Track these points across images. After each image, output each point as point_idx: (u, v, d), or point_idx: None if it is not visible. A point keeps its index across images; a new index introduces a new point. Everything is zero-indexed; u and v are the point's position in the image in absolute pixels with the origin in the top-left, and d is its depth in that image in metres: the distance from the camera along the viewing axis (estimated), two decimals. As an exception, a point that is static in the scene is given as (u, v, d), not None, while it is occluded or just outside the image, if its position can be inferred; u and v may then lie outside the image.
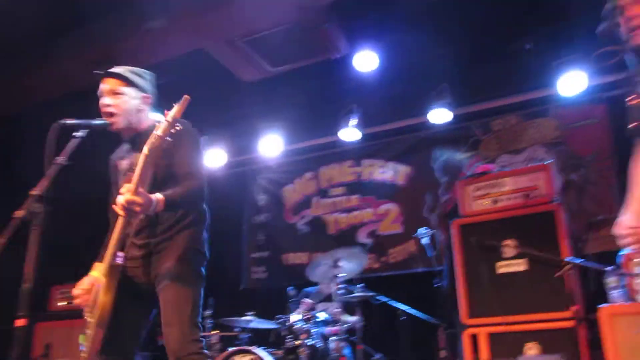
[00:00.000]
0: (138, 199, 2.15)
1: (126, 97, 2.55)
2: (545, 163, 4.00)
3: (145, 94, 2.62)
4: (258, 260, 6.26)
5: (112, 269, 2.35)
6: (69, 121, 2.43)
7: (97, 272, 2.43)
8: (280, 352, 4.29)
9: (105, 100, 2.54)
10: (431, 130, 5.61)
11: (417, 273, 5.34)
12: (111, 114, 2.52)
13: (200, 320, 2.46)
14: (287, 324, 4.31)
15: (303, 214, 6.22)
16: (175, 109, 2.20)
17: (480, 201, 3.98)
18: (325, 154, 6.27)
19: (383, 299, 4.46)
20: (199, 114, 6.23)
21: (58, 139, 2.37)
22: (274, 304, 5.45)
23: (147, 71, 2.72)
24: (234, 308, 5.51)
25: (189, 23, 4.86)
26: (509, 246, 3.68)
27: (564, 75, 4.68)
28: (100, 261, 2.43)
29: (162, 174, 2.43)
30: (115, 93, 2.54)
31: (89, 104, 5.58)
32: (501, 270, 3.70)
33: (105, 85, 2.56)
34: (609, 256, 3.97)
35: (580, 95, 4.80)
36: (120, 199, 2.17)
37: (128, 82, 2.57)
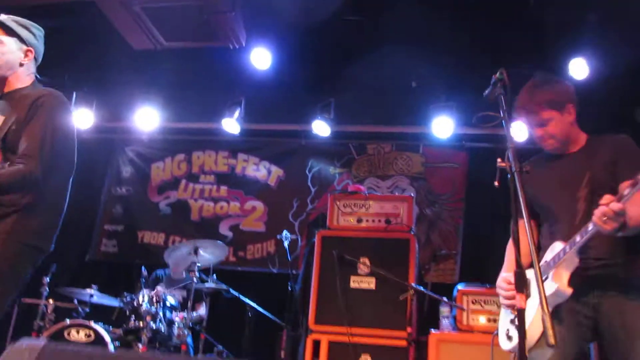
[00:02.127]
0: None
1: (5, 48, 2.33)
2: (408, 195, 4.37)
3: (28, 48, 2.40)
4: (111, 233, 5.99)
5: None
6: None
7: None
8: (119, 331, 4.17)
9: None
10: (310, 139, 5.81)
11: (271, 273, 5.49)
12: None
13: None
14: (133, 303, 4.19)
15: (168, 195, 6.08)
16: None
17: (346, 217, 4.22)
18: (202, 140, 6.20)
19: (234, 293, 4.52)
20: (77, 68, 5.89)
21: None
22: (120, 281, 5.27)
23: (35, 25, 2.48)
24: (76, 279, 5.24)
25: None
26: (364, 264, 3.96)
27: (437, 118, 5.11)
28: None
29: (12, 141, 2.22)
30: None
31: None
32: (353, 285, 3.95)
33: None
34: (444, 288, 4.46)
35: (448, 140, 5.31)
36: None
37: (9, 32, 2.35)
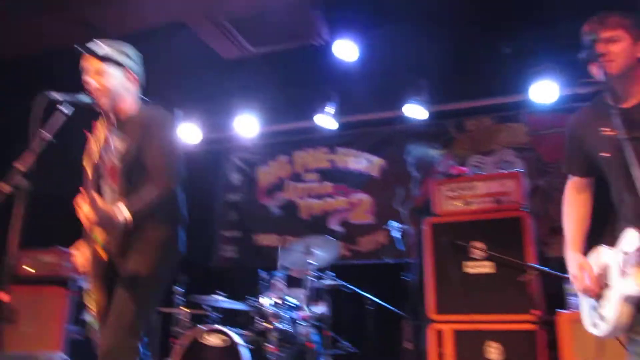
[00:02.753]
0: (94, 219, 2.18)
1: (110, 77, 2.44)
2: (516, 170, 4.19)
3: (131, 74, 2.51)
4: (229, 238, 6.32)
5: (97, 266, 2.43)
6: (55, 95, 2.30)
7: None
8: (249, 333, 4.40)
9: (88, 79, 2.43)
10: (406, 124, 5.72)
11: (386, 264, 5.52)
12: (95, 93, 2.42)
13: (141, 329, 2.33)
14: (257, 306, 4.41)
15: (276, 196, 6.29)
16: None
17: (452, 202, 4.14)
18: (301, 139, 6.33)
19: (352, 288, 4.60)
20: (177, 87, 6.23)
21: (45, 110, 2.28)
22: (243, 284, 5.55)
23: (133, 49, 2.60)
24: (202, 285, 5.59)
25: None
26: (478, 248, 3.87)
27: (537, 82, 4.83)
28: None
29: (136, 165, 2.38)
30: (98, 71, 2.42)
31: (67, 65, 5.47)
32: (469, 271, 3.89)
33: (88, 62, 2.44)
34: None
35: (552, 104, 5.00)
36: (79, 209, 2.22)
37: (111, 61, 2.45)
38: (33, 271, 5.10)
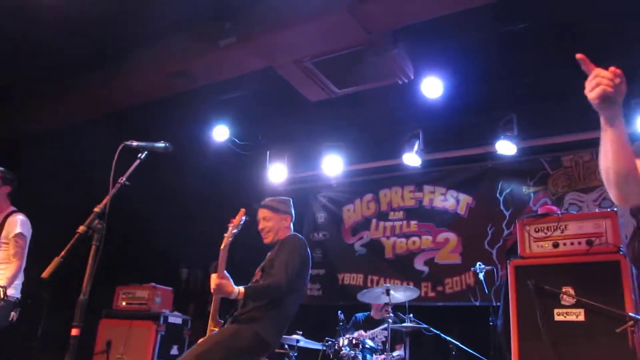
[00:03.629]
0: (215, 282, 3.00)
1: (272, 222, 3.46)
2: (611, 210, 3.82)
3: (285, 216, 3.53)
4: (314, 277, 6.32)
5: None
6: (134, 143, 2.55)
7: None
8: (325, 375, 4.33)
9: (259, 225, 3.49)
10: (497, 160, 5.49)
11: (472, 307, 5.22)
12: (264, 234, 3.47)
13: None
14: (334, 347, 4.33)
15: (361, 235, 6.23)
16: (238, 217, 3.19)
17: (540, 243, 3.84)
18: (386, 177, 6.26)
19: (434, 331, 4.39)
20: (265, 129, 6.46)
21: (121, 157, 2.49)
22: (326, 323, 5.50)
23: (287, 199, 3.69)
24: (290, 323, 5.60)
25: (260, 42, 5.00)
26: (568, 294, 3.54)
27: (642, 112, 4.45)
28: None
29: (267, 267, 3.27)
30: (264, 218, 3.48)
31: (161, 114, 5.84)
32: (558, 318, 3.55)
33: (259, 213, 3.51)
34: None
35: (661, 136, 4.56)
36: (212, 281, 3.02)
37: (272, 210, 3.48)
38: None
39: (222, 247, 3.11)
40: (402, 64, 4.98)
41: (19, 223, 3.80)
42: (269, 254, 3.45)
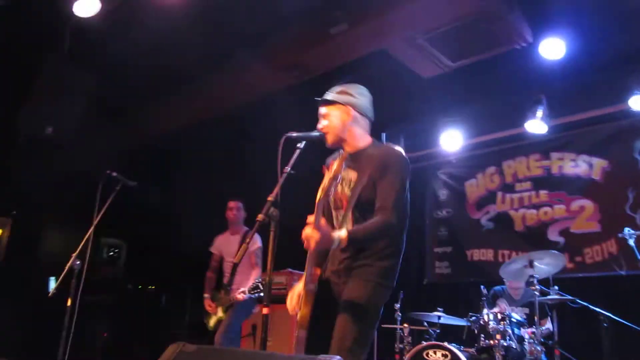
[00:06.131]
0: (315, 235, 2.32)
1: (332, 118, 2.69)
2: None
3: (351, 111, 2.70)
4: (441, 255, 6.29)
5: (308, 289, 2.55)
6: (293, 134, 2.65)
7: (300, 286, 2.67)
8: (472, 351, 4.31)
9: (319, 124, 2.74)
10: (631, 118, 5.14)
11: (617, 276, 4.96)
12: (324, 134, 2.71)
13: (361, 355, 2.46)
14: (480, 322, 4.30)
15: (487, 210, 6.10)
16: (336, 165, 2.39)
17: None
18: (509, 147, 6.07)
19: (582, 303, 4.22)
20: (381, 111, 6.50)
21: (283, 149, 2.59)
22: (458, 300, 5.48)
23: (355, 85, 2.80)
24: (418, 302, 5.65)
25: (370, 25, 5.02)
26: None
27: None
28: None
29: (366, 196, 2.54)
30: (323, 115, 2.73)
31: (273, 110, 6.05)
32: None
33: (320, 109, 2.76)
34: None
35: None
36: (303, 232, 2.37)
37: (331, 103, 2.70)
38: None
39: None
40: (519, 28, 4.79)
41: (258, 239, 4.80)
42: (342, 168, 2.54)
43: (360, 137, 2.72)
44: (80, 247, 3.83)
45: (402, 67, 5.52)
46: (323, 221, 2.39)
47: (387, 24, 4.96)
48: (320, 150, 2.86)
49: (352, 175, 2.64)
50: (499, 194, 6.05)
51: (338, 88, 2.78)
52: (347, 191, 2.64)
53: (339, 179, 2.56)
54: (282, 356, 1.82)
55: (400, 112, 6.33)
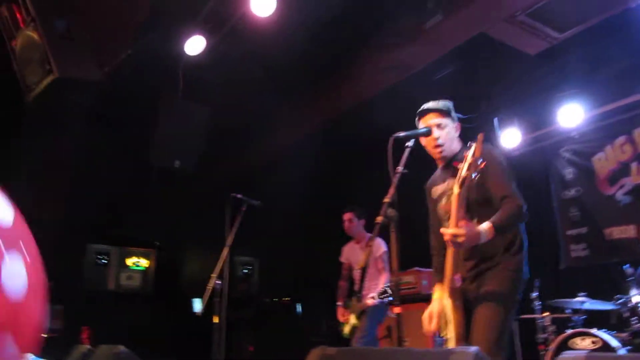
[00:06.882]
0: (461, 231, 2.34)
1: (448, 128, 2.82)
2: None
3: (457, 122, 2.88)
4: (576, 237, 5.91)
5: (454, 291, 2.55)
6: (401, 134, 2.72)
7: (440, 295, 2.69)
8: (624, 335, 4.03)
9: (434, 134, 2.79)
10: None
11: None
12: (439, 145, 2.80)
13: (505, 346, 2.48)
14: (629, 304, 4.01)
15: (622, 183, 5.64)
16: (474, 148, 2.37)
17: None
18: (639, 114, 5.59)
19: None
20: (490, 96, 6.32)
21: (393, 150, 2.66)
22: (599, 283, 5.13)
23: (449, 101, 2.94)
24: (556, 289, 5.37)
25: (468, 11, 4.91)
26: None
27: None
28: (441, 283, 2.68)
29: (476, 198, 2.60)
30: (438, 126, 2.80)
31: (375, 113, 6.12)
32: None
33: (427, 119, 2.83)
34: None
35: None
36: (446, 232, 2.39)
37: (446, 114, 2.83)
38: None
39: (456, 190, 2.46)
40: (630, -14, 4.45)
41: (382, 244, 4.85)
42: (438, 184, 2.84)
43: (458, 145, 2.88)
44: (219, 267, 4.12)
45: (505, 47, 5.34)
46: (463, 220, 2.41)
47: (485, 5, 4.84)
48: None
49: (451, 184, 2.66)
50: (634, 165, 5.56)
51: (440, 102, 2.89)
52: (456, 188, 2.60)
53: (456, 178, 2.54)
54: (419, 351, 1.88)
55: (510, 94, 6.13)
